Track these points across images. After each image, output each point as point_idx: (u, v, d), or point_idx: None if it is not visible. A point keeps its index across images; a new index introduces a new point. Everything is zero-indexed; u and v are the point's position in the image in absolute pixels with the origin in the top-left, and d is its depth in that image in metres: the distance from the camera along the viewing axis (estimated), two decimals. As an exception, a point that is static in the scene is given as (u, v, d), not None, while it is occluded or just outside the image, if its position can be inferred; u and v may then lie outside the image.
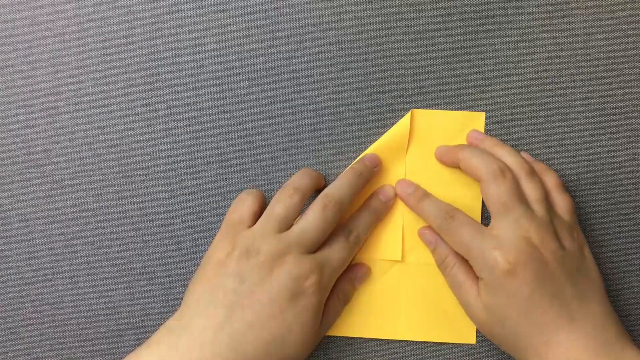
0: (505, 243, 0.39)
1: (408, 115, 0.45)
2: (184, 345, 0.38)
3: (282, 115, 0.46)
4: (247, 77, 0.46)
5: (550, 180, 0.43)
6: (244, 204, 0.43)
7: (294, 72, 0.46)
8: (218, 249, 0.41)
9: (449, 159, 0.44)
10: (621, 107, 0.45)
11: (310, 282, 0.39)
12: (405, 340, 0.45)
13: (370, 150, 0.45)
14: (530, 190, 0.41)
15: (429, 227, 0.44)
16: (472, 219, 0.41)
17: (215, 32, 0.46)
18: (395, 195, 0.45)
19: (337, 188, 0.42)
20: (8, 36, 0.46)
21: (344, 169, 0.45)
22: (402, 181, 0.45)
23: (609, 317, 0.39)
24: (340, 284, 0.43)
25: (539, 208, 0.41)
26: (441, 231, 0.42)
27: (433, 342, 0.45)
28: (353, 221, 0.43)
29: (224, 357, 0.38)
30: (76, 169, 0.46)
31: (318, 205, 0.41)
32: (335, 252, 0.41)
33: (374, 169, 0.44)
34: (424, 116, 0.45)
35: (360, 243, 0.43)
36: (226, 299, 0.39)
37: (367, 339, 0.45)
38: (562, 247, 0.40)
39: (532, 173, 0.42)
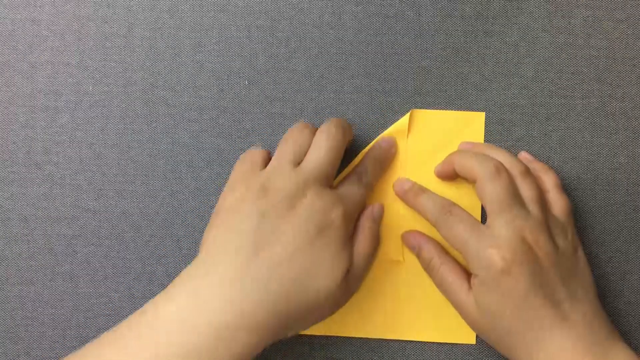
0: (501, 242, 0.39)
1: (407, 115, 0.45)
2: (208, 289, 0.36)
3: (282, 115, 0.46)
4: (247, 77, 0.46)
5: (549, 180, 0.43)
6: (253, 154, 0.42)
7: (294, 72, 0.46)
8: (229, 195, 0.39)
9: (447, 169, 0.44)
10: (621, 107, 0.45)
11: (336, 213, 0.38)
12: (405, 340, 0.45)
13: (367, 149, 0.45)
14: (525, 190, 0.41)
15: (412, 230, 0.44)
16: (470, 214, 0.41)
17: (215, 32, 0.46)
18: (396, 144, 0.45)
19: (335, 124, 0.41)
20: (8, 36, 0.46)
21: (344, 168, 0.45)
22: (399, 179, 0.45)
23: (599, 316, 0.40)
24: (361, 222, 0.42)
25: (533, 208, 0.41)
26: (438, 225, 0.42)
27: (433, 342, 0.45)
28: (360, 168, 0.43)
29: (253, 298, 0.35)
30: (76, 169, 0.46)
31: (323, 135, 0.41)
32: (352, 190, 0.41)
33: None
34: (423, 116, 0.45)
35: (372, 189, 0.43)
36: (249, 238, 0.37)
37: (367, 339, 0.45)
38: (556, 247, 0.40)
39: (527, 173, 0.42)
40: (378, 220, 0.43)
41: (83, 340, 0.45)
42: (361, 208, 0.42)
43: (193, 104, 0.46)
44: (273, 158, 0.41)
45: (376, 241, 0.42)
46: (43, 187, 0.46)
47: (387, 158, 0.44)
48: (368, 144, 0.45)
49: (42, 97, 0.46)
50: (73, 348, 0.45)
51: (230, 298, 0.35)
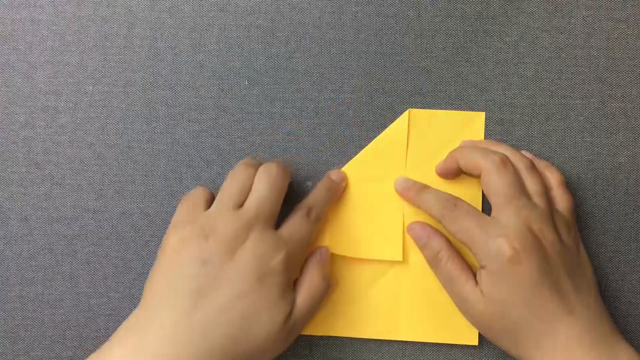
0: (509, 231, 0.39)
1: (406, 114, 0.45)
2: (151, 340, 0.35)
3: (282, 115, 0.46)
4: (247, 77, 0.46)
5: (553, 177, 0.43)
6: (197, 194, 0.41)
7: (294, 72, 0.46)
8: (172, 237, 0.39)
9: (450, 166, 0.43)
10: (621, 107, 0.45)
11: (277, 259, 0.38)
12: (406, 341, 0.45)
13: (367, 150, 0.45)
14: (530, 184, 0.41)
15: (418, 222, 0.44)
16: (475, 207, 0.41)
17: (215, 32, 0.46)
18: (347, 178, 0.44)
19: (276, 163, 0.41)
20: (8, 36, 0.46)
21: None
22: (400, 178, 0.45)
23: (603, 311, 0.40)
24: (308, 265, 0.41)
25: (538, 201, 0.41)
26: (444, 219, 0.41)
27: (434, 343, 0.45)
28: (310, 200, 0.42)
29: (197, 347, 0.36)
30: (76, 169, 0.46)
31: (264, 175, 0.40)
32: (298, 229, 0.40)
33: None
34: (423, 116, 0.45)
35: (320, 221, 0.42)
36: (190, 286, 0.37)
37: (367, 339, 0.45)
38: (561, 240, 0.40)
39: (532, 167, 0.42)
40: (326, 263, 0.42)
41: (83, 340, 0.45)
42: (308, 244, 0.41)
43: (193, 104, 0.46)
44: (216, 199, 0.40)
45: (324, 283, 0.41)
46: (43, 187, 0.46)
47: (337, 190, 0.44)
48: (368, 144, 0.45)
49: (42, 97, 0.46)
50: (73, 348, 0.45)
51: (169, 352, 0.35)
